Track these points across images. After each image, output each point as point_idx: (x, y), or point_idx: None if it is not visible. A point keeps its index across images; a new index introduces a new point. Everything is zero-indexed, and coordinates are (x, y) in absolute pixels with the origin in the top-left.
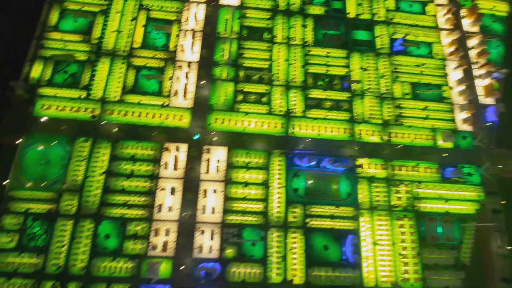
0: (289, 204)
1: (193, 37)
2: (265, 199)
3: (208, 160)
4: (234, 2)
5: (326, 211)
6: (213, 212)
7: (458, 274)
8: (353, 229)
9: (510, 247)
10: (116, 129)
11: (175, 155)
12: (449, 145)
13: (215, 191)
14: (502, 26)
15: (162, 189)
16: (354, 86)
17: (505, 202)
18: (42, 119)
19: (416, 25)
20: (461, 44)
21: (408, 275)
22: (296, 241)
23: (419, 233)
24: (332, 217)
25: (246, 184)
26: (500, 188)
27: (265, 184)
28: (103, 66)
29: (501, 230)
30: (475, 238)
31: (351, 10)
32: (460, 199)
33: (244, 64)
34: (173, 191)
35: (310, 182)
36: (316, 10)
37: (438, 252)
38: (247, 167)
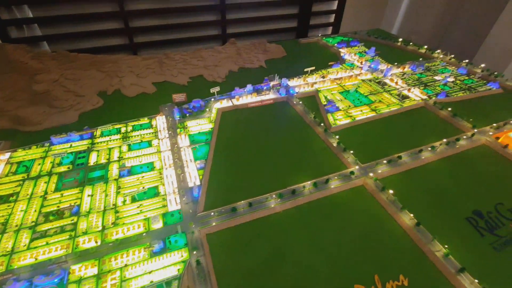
0: None
1: None
2: None
3: None
4: None
5: None
6: None
7: None
8: None
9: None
10: None
11: None
12: (158, 225)
13: None
14: (206, 136)
15: None
16: (81, 209)
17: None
18: None
19: (143, 154)
20: (176, 156)
21: None
22: None
23: None
24: None
25: None
26: (203, 243)
27: None
28: None
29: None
30: None
31: (91, 160)
32: (165, 265)
33: None
34: None
35: None
36: (63, 168)
37: None
38: None
